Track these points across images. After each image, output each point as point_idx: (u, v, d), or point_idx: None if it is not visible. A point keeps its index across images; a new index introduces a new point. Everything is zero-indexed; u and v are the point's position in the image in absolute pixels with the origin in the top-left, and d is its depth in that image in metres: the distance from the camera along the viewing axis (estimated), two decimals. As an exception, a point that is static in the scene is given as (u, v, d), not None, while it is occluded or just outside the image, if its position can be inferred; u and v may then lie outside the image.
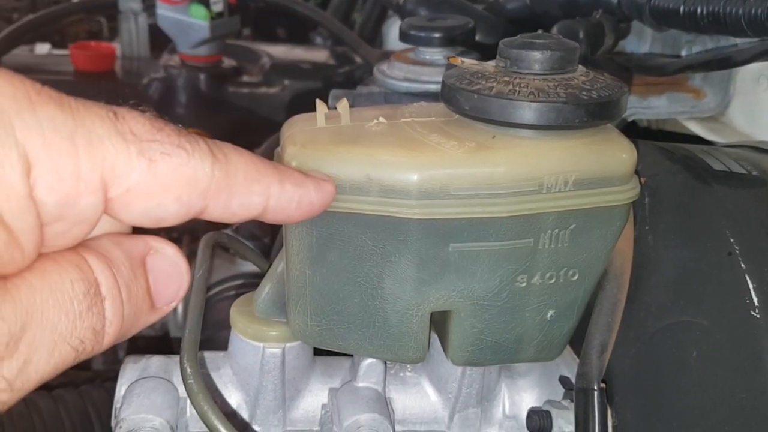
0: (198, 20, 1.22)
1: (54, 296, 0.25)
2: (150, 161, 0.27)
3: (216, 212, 0.29)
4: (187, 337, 0.45)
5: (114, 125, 0.26)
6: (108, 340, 0.27)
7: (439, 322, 0.44)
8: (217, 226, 1.04)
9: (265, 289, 0.47)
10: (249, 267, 0.90)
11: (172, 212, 0.28)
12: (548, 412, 0.46)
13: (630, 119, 0.83)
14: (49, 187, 0.25)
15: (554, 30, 0.69)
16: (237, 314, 0.48)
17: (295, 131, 0.40)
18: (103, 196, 0.26)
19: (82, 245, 0.28)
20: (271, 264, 0.47)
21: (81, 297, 0.26)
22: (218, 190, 0.29)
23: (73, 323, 0.26)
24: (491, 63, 0.41)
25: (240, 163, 0.30)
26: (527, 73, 0.39)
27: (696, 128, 0.84)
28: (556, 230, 0.39)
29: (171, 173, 0.27)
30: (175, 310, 0.92)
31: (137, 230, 0.30)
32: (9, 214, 0.24)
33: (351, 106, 0.41)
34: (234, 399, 0.49)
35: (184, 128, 0.29)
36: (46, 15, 1.41)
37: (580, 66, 0.40)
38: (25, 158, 0.24)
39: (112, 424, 0.46)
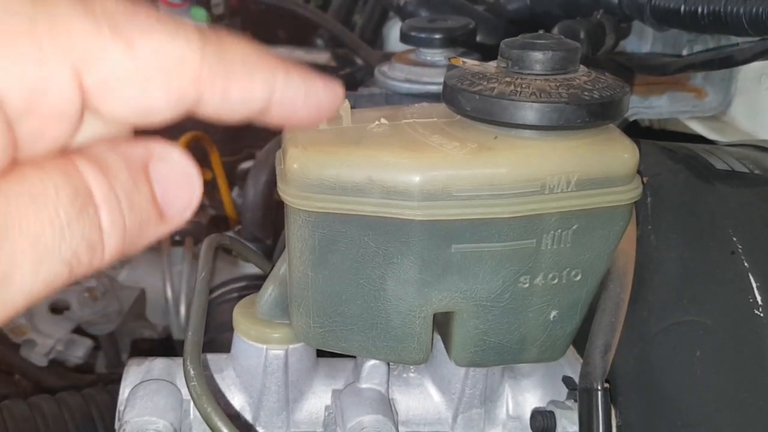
0: (199, 22, 1.23)
1: (35, 204, 0.22)
2: (128, 42, 0.23)
3: (213, 104, 0.26)
4: (189, 340, 0.45)
5: (82, 4, 0.23)
6: (109, 253, 0.25)
7: (442, 323, 0.44)
8: (220, 229, 1.04)
9: (268, 291, 0.47)
10: (251, 269, 0.91)
11: (162, 102, 0.25)
12: (552, 413, 0.46)
13: (631, 119, 0.83)
14: (8, 75, 0.22)
15: (555, 30, 0.69)
16: (240, 316, 0.48)
17: (297, 133, 0.40)
18: (77, 83, 0.23)
19: (71, 151, 0.25)
20: (273, 266, 0.47)
21: (68, 204, 0.23)
22: (213, 76, 0.25)
23: (60, 234, 0.23)
24: (492, 63, 0.41)
25: (236, 46, 0.26)
26: (529, 74, 0.39)
27: (698, 127, 0.84)
28: (559, 231, 0.39)
29: (154, 55, 0.24)
30: (177, 312, 0.92)
31: None
32: None
33: (352, 107, 0.41)
34: (237, 401, 0.49)
35: None
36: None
37: (581, 66, 0.40)
38: None
39: (116, 426, 0.46)
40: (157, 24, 0.24)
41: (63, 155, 0.24)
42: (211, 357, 0.50)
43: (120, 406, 0.47)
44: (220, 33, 0.26)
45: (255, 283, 0.85)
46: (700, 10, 0.60)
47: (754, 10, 0.56)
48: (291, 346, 0.47)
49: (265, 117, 0.28)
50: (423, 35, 0.72)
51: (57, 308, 0.94)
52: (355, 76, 1.31)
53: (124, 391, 0.47)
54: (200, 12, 1.22)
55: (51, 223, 0.23)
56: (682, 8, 0.61)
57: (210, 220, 1.10)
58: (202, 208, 1.10)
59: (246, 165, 1.13)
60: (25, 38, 0.22)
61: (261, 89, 0.27)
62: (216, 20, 1.23)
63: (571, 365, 0.49)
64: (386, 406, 0.47)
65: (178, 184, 0.27)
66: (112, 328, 0.96)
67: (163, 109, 0.25)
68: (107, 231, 0.24)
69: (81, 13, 0.23)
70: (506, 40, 0.40)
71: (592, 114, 0.38)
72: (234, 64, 0.26)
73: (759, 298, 0.39)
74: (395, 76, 0.73)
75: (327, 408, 0.49)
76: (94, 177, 0.24)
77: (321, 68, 1.36)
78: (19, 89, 0.22)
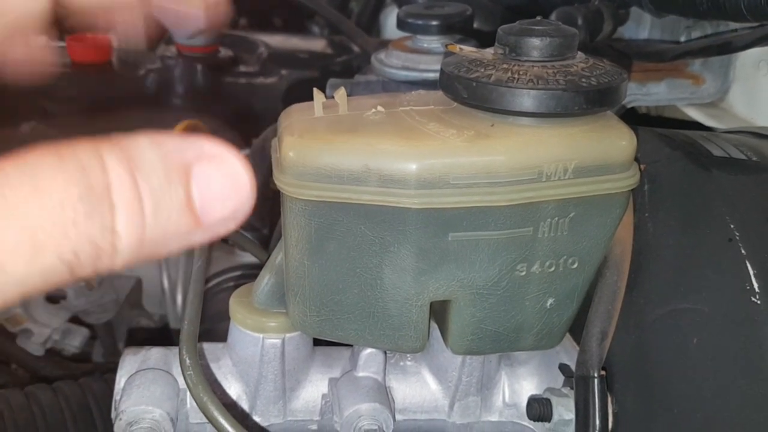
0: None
1: (38, 195, 0.21)
2: None
3: None
4: (186, 329, 0.45)
5: None
6: (121, 257, 0.23)
7: (438, 312, 0.44)
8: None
9: (264, 279, 0.47)
10: (248, 258, 0.90)
11: None
12: (548, 400, 0.46)
13: (629, 106, 0.83)
14: None
15: (553, 16, 0.69)
16: (236, 305, 0.48)
17: (293, 121, 0.40)
18: None
19: (108, 142, 0.23)
20: (270, 255, 0.47)
21: (76, 202, 0.22)
22: None
23: (62, 231, 0.22)
24: (490, 50, 0.41)
25: None
26: (526, 60, 0.38)
27: (695, 114, 0.84)
28: (556, 218, 0.39)
29: None
30: (174, 301, 0.92)
31: None
32: None
33: (349, 95, 0.41)
34: (234, 390, 0.49)
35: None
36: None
37: (579, 53, 0.40)
38: None
39: (113, 416, 0.46)
40: None
41: (94, 143, 0.23)
42: (207, 346, 0.50)
43: (116, 396, 0.47)
44: None
45: (251, 272, 0.85)
46: (698, -5, 0.59)
47: (752, -5, 0.55)
48: (287, 335, 0.47)
49: None
50: (420, 22, 0.71)
51: (53, 298, 0.94)
52: (351, 64, 1.31)
53: (121, 380, 0.47)
54: (195, -1, 1.21)
55: (53, 219, 0.21)
56: (680, -6, 0.61)
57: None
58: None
59: (242, 153, 1.12)
60: None
61: None
62: (210, 7, 1.22)
63: (568, 353, 0.49)
64: (383, 395, 0.47)
65: (225, 190, 0.25)
66: (109, 317, 0.96)
67: None
68: (121, 234, 0.23)
69: None
70: (503, 26, 0.40)
71: (589, 101, 0.37)
72: None
73: (756, 285, 0.39)
74: (392, 63, 0.72)
75: (324, 396, 0.49)
76: (118, 175, 0.22)
77: (317, 55, 1.35)
78: None
